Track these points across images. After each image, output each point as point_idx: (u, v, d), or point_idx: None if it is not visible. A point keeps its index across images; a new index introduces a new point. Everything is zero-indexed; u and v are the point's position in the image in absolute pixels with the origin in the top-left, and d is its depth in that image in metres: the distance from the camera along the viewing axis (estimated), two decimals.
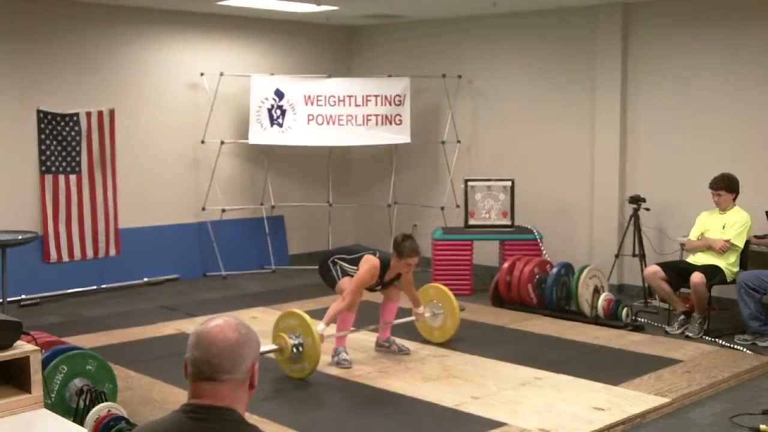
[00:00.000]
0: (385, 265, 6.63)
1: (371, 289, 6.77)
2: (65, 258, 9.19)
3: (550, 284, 8.23)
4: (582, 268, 8.21)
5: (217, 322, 2.38)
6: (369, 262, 6.56)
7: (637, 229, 8.78)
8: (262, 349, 6.01)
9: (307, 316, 6.22)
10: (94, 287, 9.32)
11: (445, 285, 8.77)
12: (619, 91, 9.25)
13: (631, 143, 9.29)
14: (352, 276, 6.62)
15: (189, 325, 7.68)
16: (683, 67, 8.89)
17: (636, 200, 8.81)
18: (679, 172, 8.92)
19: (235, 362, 2.33)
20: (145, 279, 9.68)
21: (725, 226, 7.62)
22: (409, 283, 6.93)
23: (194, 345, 2.34)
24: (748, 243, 7.68)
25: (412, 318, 7.23)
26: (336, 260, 6.75)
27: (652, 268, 7.80)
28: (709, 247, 7.63)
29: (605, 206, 9.39)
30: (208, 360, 2.31)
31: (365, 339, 7.11)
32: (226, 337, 2.33)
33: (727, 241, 7.53)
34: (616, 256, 9.03)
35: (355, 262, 6.65)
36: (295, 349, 6.17)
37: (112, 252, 9.53)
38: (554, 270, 8.30)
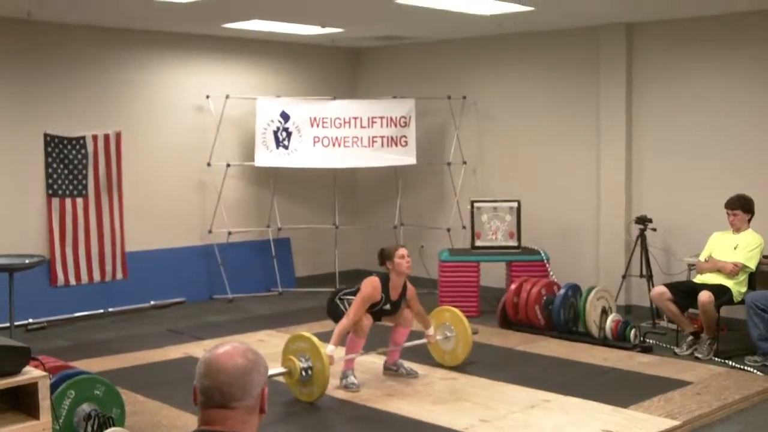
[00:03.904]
0: (385, 281, 6.60)
1: (380, 313, 6.72)
2: (72, 282, 9.19)
3: (558, 306, 8.20)
4: (589, 289, 8.19)
5: (225, 349, 2.37)
6: (368, 280, 6.56)
7: (644, 249, 8.76)
8: (272, 371, 5.95)
9: (316, 340, 6.20)
10: (101, 311, 9.30)
11: (452, 306, 8.80)
12: (624, 110, 9.25)
13: (636, 163, 9.28)
14: None
15: (196, 349, 7.67)
16: (689, 86, 8.90)
17: (642, 221, 8.79)
18: (686, 193, 8.91)
19: (244, 389, 2.33)
20: (152, 302, 9.66)
21: (737, 247, 7.59)
22: (414, 298, 6.89)
23: (203, 373, 2.34)
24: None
25: (424, 341, 7.19)
26: (342, 297, 6.72)
27: (659, 289, 7.78)
28: (718, 270, 7.60)
29: (612, 227, 9.37)
30: (218, 388, 2.31)
31: (373, 362, 7.08)
32: (235, 365, 2.33)
33: (737, 264, 7.50)
34: (624, 277, 9.00)
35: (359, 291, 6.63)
36: (304, 372, 6.15)
37: (119, 275, 9.53)
38: (562, 291, 8.28)
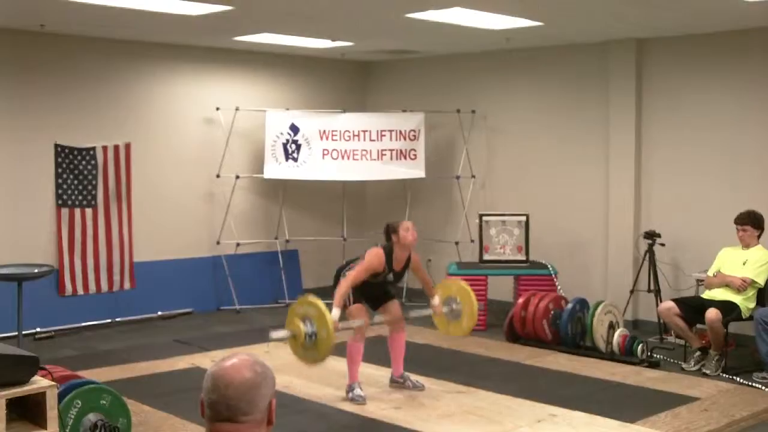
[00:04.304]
0: (389, 253, 6.63)
1: (382, 286, 6.70)
2: (80, 291, 9.22)
3: (565, 320, 8.19)
4: (597, 303, 8.18)
5: (233, 362, 2.36)
6: (373, 251, 6.62)
7: (652, 264, 8.75)
8: (277, 335, 6.24)
9: (323, 306, 6.14)
10: (109, 320, 9.33)
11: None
12: (633, 125, 9.26)
13: (645, 178, 9.28)
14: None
15: (203, 360, 7.67)
16: (698, 102, 8.90)
17: (651, 235, 8.79)
18: (695, 208, 8.91)
19: (253, 403, 2.32)
20: (160, 313, 9.69)
21: (746, 263, 7.58)
22: (419, 266, 6.97)
23: (211, 388, 2.33)
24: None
25: (429, 312, 7.13)
26: (346, 273, 6.68)
27: (667, 304, 7.76)
28: (726, 285, 7.59)
29: (620, 241, 9.36)
30: (226, 403, 2.30)
31: (380, 375, 7.08)
32: (243, 379, 2.32)
33: (745, 279, 7.48)
34: (631, 292, 8.99)
35: None
36: (308, 338, 6.15)
37: (127, 285, 9.55)
38: (569, 306, 8.27)
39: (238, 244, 10.30)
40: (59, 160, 9.11)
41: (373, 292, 6.77)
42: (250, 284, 10.42)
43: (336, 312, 6.24)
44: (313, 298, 6.27)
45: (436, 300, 7.07)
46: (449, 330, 7.24)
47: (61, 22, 8.40)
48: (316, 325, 6.15)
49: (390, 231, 6.71)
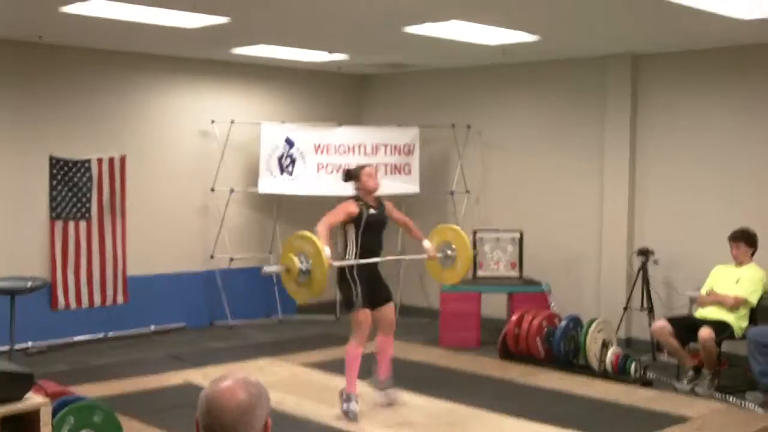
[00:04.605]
0: (357, 197, 6.62)
1: (372, 227, 6.61)
2: (73, 305, 9.18)
3: (559, 338, 8.19)
4: (590, 321, 8.18)
5: (227, 384, 2.35)
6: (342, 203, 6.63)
7: (646, 282, 8.76)
8: (269, 269, 6.43)
9: (319, 244, 6.11)
10: (102, 335, 9.30)
11: (454, 336, 8.81)
12: (628, 141, 9.28)
13: (640, 194, 9.30)
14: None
15: (196, 375, 7.66)
16: (693, 119, 8.93)
17: (644, 253, 8.81)
18: (689, 226, 8.91)
19: (249, 425, 2.30)
20: (153, 327, 9.67)
21: (739, 281, 7.58)
22: (394, 210, 6.92)
23: (205, 411, 2.32)
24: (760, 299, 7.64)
25: (423, 256, 7.12)
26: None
27: (660, 323, 7.77)
28: (719, 304, 7.59)
29: (613, 259, 9.38)
30: (222, 427, 2.29)
31: (371, 392, 7.05)
32: (238, 403, 2.31)
33: (738, 298, 7.49)
34: (625, 309, 9.00)
35: None
36: (302, 274, 6.16)
37: (120, 300, 9.52)
38: (562, 323, 8.27)
39: (231, 259, 10.28)
40: (54, 172, 9.10)
41: (373, 246, 6.64)
42: (244, 299, 10.39)
43: (327, 251, 6.19)
44: (308, 233, 6.25)
45: (427, 243, 7.05)
46: (443, 276, 7.26)
47: (58, 34, 8.41)
48: (311, 262, 6.14)
49: (350, 177, 6.67)
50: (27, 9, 7.24)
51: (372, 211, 6.62)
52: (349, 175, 6.71)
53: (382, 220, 6.74)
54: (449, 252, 7.13)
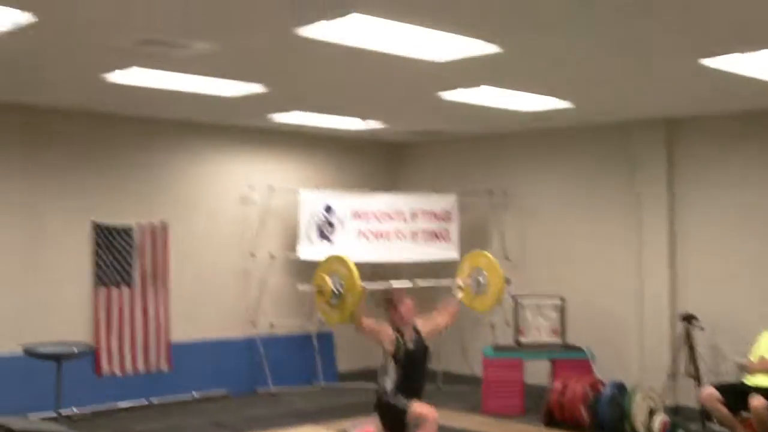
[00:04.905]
0: (394, 327, 6.50)
1: (409, 361, 6.46)
2: (117, 371, 9.21)
3: (604, 404, 8.10)
4: (636, 388, 8.10)
5: None
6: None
7: (691, 348, 8.67)
8: (303, 288, 6.17)
9: (352, 265, 6.13)
10: (145, 401, 9.29)
11: (497, 404, 8.72)
12: (666, 207, 9.27)
13: (681, 260, 9.25)
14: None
15: None
16: (734, 183, 8.91)
17: (688, 318, 8.73)
18: (734, 290, 8.84)
19: None
20: (195, 394, 9.65)
21: None
22: (434, 317, 6.82)
23: None
24: None
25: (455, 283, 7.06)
26: (387, 390, 6.50)
27: (709, 390, 7.65)
28: None
29: (656, 324, 9.30)
30: None
31: None
32: None
33: None
34: (670, 376, 8.89)
35: None
36: (335, 295, 6.15)
37: (163, 366, 9.53)
38: (607, 390, 8.19)
39: (272, 325, 10.28)
40: (97, 238, 9.20)
41: (413, 381, 6.51)
42: (285, 365, 10.37)
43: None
44: (343, 255, 6.23)
45: (459, 281, 7.02)
46: (473, 304, 7.12)
47: (102, 102, 8.58)
48: (344, 283, 6.13)
49: (388, 305, 6.59)
50: (71, 78, 7.41)
51: (410, 345, 6.50)
52: (387, 303, 6.61)
53: (422, 353, 6.59)
54: (481, 279, 7.05)
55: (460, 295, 7.04)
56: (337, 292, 6.15)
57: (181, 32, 5.68)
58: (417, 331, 6.61)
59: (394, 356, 6.43)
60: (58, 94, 8.22)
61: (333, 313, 6.27)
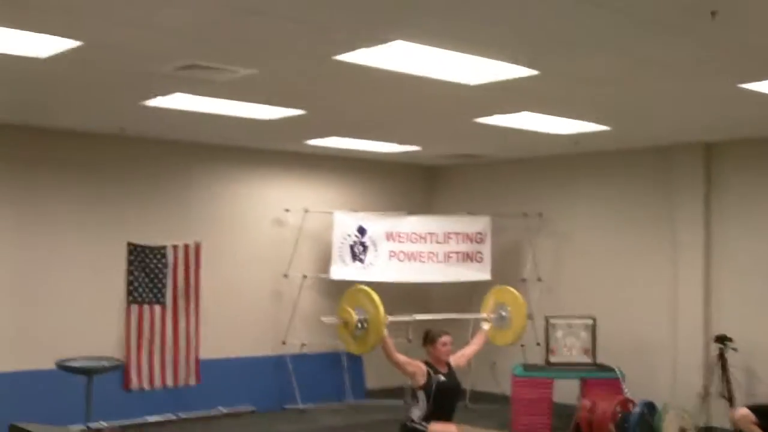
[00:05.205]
0: (427, 363, 6.53)
1: (441, 395, 6.43)
2: (145, 386, 9.30)
3: (634, 424, 7.97)
4: (666, 407, 7.96)
5: None
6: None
7: (724, 369, 8.52)
8: (328, 320, 6.67)
9: (376, 298, 6.18)
10: (173, 416, 9.35)
11: (525, 422, 8.64)
12: (702, 230, 9.18)
13: (715, 283, 9.13)
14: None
15: None
16: None
17: (722, 339, 8.59)
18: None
19: None
20: (223, 410, 9.69)
21: None
22: (464, 359, 6.84)
23: None
24: None
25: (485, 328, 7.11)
26: (412, 418, 6.50)
27: (743, 411, 7.49)
28: None
29: (689, 345, 9.16)
30: None
31: None
32: None
33: None
34: (703, 397, 8.72)
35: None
36: (359, 326, 6.19)
37: (192, 381, 9.60)
38: (637, 409, 8.07)
39: (303, 345, 10.31)
40: (131, 257, 9.34)
41: (443, 416, 6.49)
42: (314, 383, 10.38)
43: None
44: (368, 288, 6.28)
45: (485, 325, 7.09)
46: (494, 337, 7.18)
47: (139, 126, 8.74)
48: (367, 315, 6.18)
49: (427, 340, 6.62)
50: (111, 104, 7.57)
51: (441, 378, 6.51)
52: (427, 338, 6.66)
53: (455, 387, 6.63)
54: (503, 313, 7.12)
55: (487, 326, 7.13)
56: (360, 326, 6.19)
57: (221, 58, 5.74)
58: (449, 367, 6.65)
59: (425, 389, 6.44)
60: (97, 119, 8.39)
61: (355, 345, 6.31)
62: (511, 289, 7.38)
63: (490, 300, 7.27)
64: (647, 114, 7.73)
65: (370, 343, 6.19)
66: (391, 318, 6.35)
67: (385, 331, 6.31)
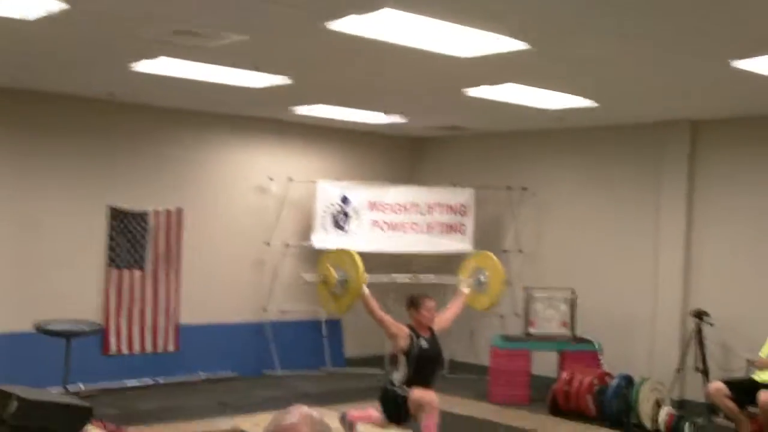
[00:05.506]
0: (411, 327, 6.60)
1: (420, 360, 6.54)
2: (124, 351, 9.30)
3: (610, 396, 8.06)
4: (643, 380, 8.04)
5: (291, 420, 2.27)
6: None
7: (701, 343, 8.59)
8: (308, 277, 6.33)
9: (357, 257, 6.32)
10: (151, 381, 9.37)
11: (503, 393, 8.70)
12: (684, 205, 9.19)
13: (695, 257, 9.17)
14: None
15: (245, 423, 7.63)
16: (752, 184, 8.82)
17: (699, 314, 8.65)
18: (747, 289, 8.74)
19: None
20: (202, 375, 9.71)
21: None
22: (445, 321, 6.91)
23: None
24: None
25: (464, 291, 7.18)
26: (393, 382, 6.58)
27: (716, 385, 7.59)
28: None
29: (667, 319, 9.22)
30: None
31: None
32: None
33: None
34: (678, 371, 8.80)
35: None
36: (338, 285, 6.34)
37: (171, 347, 9.60)
38: (614, 382, 8.15)
39: (283, 311, 10.33)
40: (112, 221, 9.29)
41: (424, 382, 6.57)
42: (293, 350, 10.41)
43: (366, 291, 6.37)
44: (350, 249, 6.34)
45: (464, 288, 7.17)
46: (471, 301, 7.29)
47: (127, 91, 8.64)
48: (347, 274, 6.27)
49: (411, 305, 6.67)
50: (99, 68, 7.49)
51: (424, 344, 6.57)
52: (411, 303, 6.71)
53: (436, 353, 6.70)
54: (482, 278, 7.19)
55: (466, 290, 7.18)
56: (341, 281, 6.20)
57: (213, 23, 5.67)
58: (432, 332, 6.70)
59: (407, 353, 6.49)
60: (83, 81, 8.30)
61: (333, 303, 6.36)
62: (491, 255, 7.47)
63: (469, 264, 7.35)
64: (636, 90, 7.71)
65: (348, 302, 6.26)
66: (370, 277, 6.41)
67: (367, 290, 6.37)
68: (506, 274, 10.28)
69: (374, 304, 6.49)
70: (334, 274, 6.31)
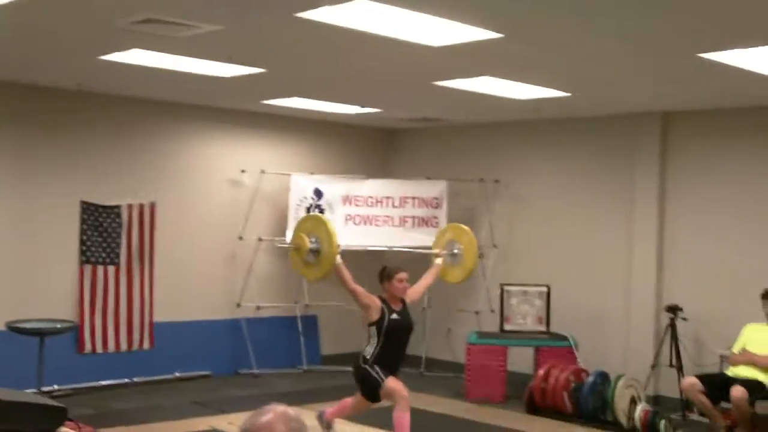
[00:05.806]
0: (382, 298, 6.63)
1: (391, 332, 6.57)
2: (99, 349, 9.20)
3: (586, 393, 8.11)
4: (618, 377, 8.10)
5: (267, 419, 2.31)
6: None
7: (674, 339, 8.66)
8: (279, 240, 6.46)
9: (331, 227, 6.39)
10: (126, 380, 9.29)
11: (480, 390, 8.73)
12: (656, 199, 9.25)
13: (668, 252, 9.24)
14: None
15: (220, 422, 7.62)
16: (724, 176, 8.89)
17: (673, 309, 8.72)
18: (719, 283, 8.82)
19: None
20: (177, 374, 9.64)
21: None
22: (417, 293, 6.97)
23: None
24: None
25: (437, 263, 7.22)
26: (365, 357, 6.62)
27: (690, 380, 7.68)
28: (753, 363, 7.48)
29: (641, 315, 9.29)
30: None
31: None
32: None
33: None
34: (653, 367, 8.88)
35: None
36: (311, 253, 6.40)
37: (146, 345, 9.52)
38: (590, 378, 8.20)
39: (258, 307, 10.28)
40: (84, 216, 9.17)
41: (394, 353, 6.63)
42: (268, 348, 10.37)
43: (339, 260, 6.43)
44: (323, 216, 6.38)
45: (438, 260, 7.23)
46: (445, 274, 7.33)
47: (95, 82, 8.52)
48: (321, 243, 6.29)
49: (383, 277, 6.70)
50: (68, 58, 7.37)
51: (395, 316, 6.60)
52: (383, 275, 6.72)
53: (407, 325, 6.72)
54: (456, 251, 7.23)
55: (440, 261, 7.26)
56: (314, 250, 6.25)
57: (184, 13, 5.59)
58: (404, 304, 6.74)
59: (378, 325, 6.51)
60: (50, 73, 8.17)
61: (310, 270, 6.37)
62: (465, 228, 7.54)
63: (444, 236, 7.41)
64: (608, 81, 7.74)
65: (321, 272, 6.33)
66: (343, 246, 6.45)
67: (340, 259, 6.39)
68: (481, 269, 10.41)
69: (347, 274, 6.51)
70: (307, 243, 6.33)
